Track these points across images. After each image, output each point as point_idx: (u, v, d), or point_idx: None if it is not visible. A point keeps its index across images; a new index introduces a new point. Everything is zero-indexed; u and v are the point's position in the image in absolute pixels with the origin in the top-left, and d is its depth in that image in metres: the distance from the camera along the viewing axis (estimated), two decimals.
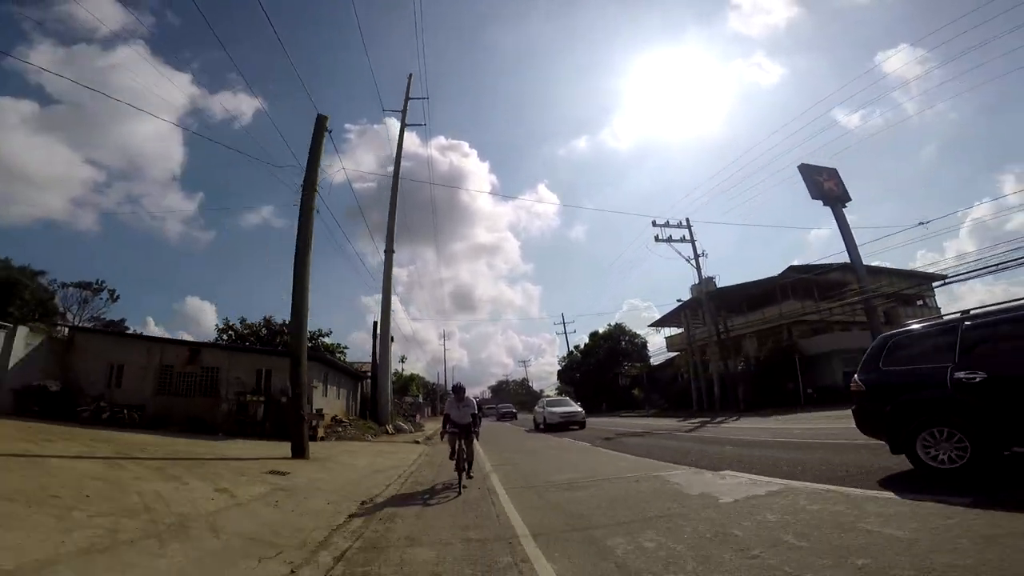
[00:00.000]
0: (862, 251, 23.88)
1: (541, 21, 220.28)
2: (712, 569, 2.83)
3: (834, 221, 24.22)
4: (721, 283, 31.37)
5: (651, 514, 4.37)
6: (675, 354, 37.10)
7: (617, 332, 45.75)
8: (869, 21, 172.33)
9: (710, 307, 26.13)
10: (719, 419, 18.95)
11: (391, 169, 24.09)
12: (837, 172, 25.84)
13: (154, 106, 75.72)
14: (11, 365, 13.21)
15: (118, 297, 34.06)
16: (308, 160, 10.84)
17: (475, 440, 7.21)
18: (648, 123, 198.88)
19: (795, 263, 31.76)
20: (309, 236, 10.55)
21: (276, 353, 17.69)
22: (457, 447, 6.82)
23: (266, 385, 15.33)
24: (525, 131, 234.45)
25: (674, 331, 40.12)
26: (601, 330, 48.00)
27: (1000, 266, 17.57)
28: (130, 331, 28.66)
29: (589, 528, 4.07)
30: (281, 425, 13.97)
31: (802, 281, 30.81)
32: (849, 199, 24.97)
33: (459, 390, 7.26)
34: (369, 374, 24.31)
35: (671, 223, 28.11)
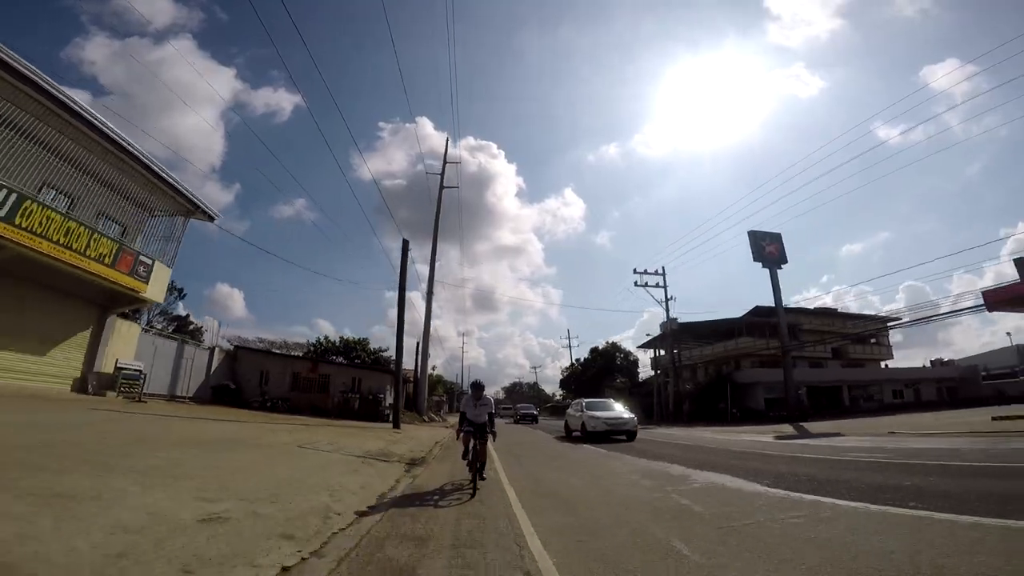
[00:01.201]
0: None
1: (573, 28, 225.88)
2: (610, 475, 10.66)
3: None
4: (727, 307, 38.91)
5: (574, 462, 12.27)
6: (652, 373, 44.67)
7: (612, 350, 53.47)
8: (915, 34, 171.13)
9: (669, 342, 33.82)
10: (660, 427, 26.51)
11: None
12: (780, 237, 32.95)
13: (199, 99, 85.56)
14: (212, 372, 21.97)
15: (185, 294, 39.03)
16: (399, 279, 19.04)
17: (490, 441, 6.81)
18: (680, 132, 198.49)
19: (759, 304, 39.10)
20: (402, 330, 18.78)
21: (364, 367, 26.43)
22: (472, 447, 6.51)
23: (358, 387, 23.85)
24: (554, 135, 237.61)
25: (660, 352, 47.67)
26: (600, 346, 55.80)
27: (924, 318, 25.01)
28: (249, 342, 37.72)
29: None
30: (368, 413, 22.48)
31: (756, 322, 38.18)
32: (785, 262, 32.11)
33: (478, 387, 6.95)
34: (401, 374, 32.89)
35: (649, 271, 35.95)
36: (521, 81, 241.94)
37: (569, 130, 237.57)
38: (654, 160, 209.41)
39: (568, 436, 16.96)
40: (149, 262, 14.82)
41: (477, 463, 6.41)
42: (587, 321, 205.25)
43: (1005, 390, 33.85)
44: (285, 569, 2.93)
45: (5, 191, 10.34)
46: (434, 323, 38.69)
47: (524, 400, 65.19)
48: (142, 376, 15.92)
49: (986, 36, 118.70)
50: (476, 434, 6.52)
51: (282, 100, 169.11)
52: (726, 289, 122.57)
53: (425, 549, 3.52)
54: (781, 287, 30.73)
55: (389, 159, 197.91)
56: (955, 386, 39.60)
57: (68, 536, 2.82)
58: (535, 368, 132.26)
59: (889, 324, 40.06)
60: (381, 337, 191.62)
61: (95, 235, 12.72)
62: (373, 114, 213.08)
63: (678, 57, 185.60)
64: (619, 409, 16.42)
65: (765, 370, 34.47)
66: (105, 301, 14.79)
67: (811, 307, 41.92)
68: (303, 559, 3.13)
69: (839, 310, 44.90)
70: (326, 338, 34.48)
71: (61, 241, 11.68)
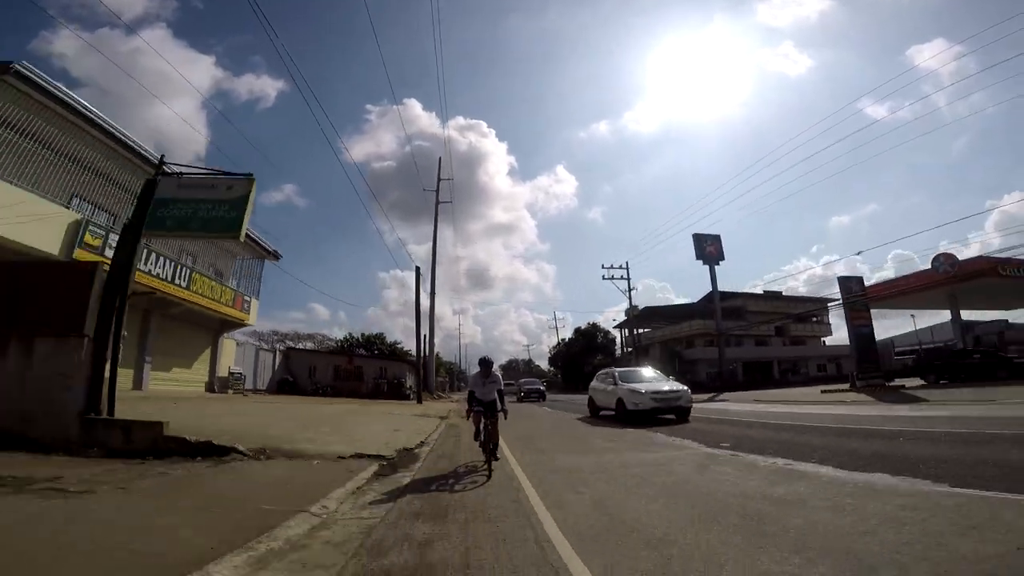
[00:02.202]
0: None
1: (561, 9, 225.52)
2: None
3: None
4: (713, 285, 46.17)
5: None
6: (630, 349, 52.12)
7: (593, 330, 60.85)
8: (902, 15, 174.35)
9: (632, 326, 41.04)
10: None
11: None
12: (719, 239, 39.73)
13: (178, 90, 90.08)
14: (276, 368, 28.99)
15: None
16: (416, 307, 25.83)
17: (500, 419, 6.50)
18: (670, 109, 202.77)
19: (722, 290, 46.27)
20: (420, 336, 25.67)
21: (387, 358, 33.57)
22: (483, 426, 6.29)
23: (385, 374, 31.00)
24: (545, 113, 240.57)
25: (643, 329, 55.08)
26: (583, 327, 63.23)
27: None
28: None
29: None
30: (394, 394, 29.71)
31: (710, 307, 45.36)
32: (723, 259, 39.11)
33: (486, 364, 6.70)
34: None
35: (615, 265, 42.88)
36: (511, 60, 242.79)
37: (559, 108, 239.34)
38: (644, 136, 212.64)
39: (595, 415, 14.55)
40: (248, 299, 21.61)
41: (490, 444, 6.24)
42: (582, 295, 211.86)
43: (908, 364, 41.43)
44: (420, 444, 9.86)
45: (188, 269, 17.05)
46: (426, 302, 45.03)
47: (521, 376, 65.56)
48: (243, 377, 22.92)
49: (974, 17, 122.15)
50: (486, 413, 6.36)
51: (266, 86, 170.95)
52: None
53: (459, 445, 10.49)
54: (755, 273, 37.83)
55: (378, 141, 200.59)
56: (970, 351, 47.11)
57: (361, 434, 9.79)
58: (527, 346, 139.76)
59: (819, 307, 47.44)
60: (376, 319, 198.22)
61: (223, 287, 19.48)
62: (361, 97, 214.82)
63: (667, 35, 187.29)
64: (669, 381, 13.38)
65: (707, 349, 41.92)
66: (220, 327, 21.62)
67: (759, 292, 49.31)
68: (421, 443, 10.03)
69: (783, 293, 52.29)
70: (350, 335, 41.66)
71: (208, 295, 18.43)
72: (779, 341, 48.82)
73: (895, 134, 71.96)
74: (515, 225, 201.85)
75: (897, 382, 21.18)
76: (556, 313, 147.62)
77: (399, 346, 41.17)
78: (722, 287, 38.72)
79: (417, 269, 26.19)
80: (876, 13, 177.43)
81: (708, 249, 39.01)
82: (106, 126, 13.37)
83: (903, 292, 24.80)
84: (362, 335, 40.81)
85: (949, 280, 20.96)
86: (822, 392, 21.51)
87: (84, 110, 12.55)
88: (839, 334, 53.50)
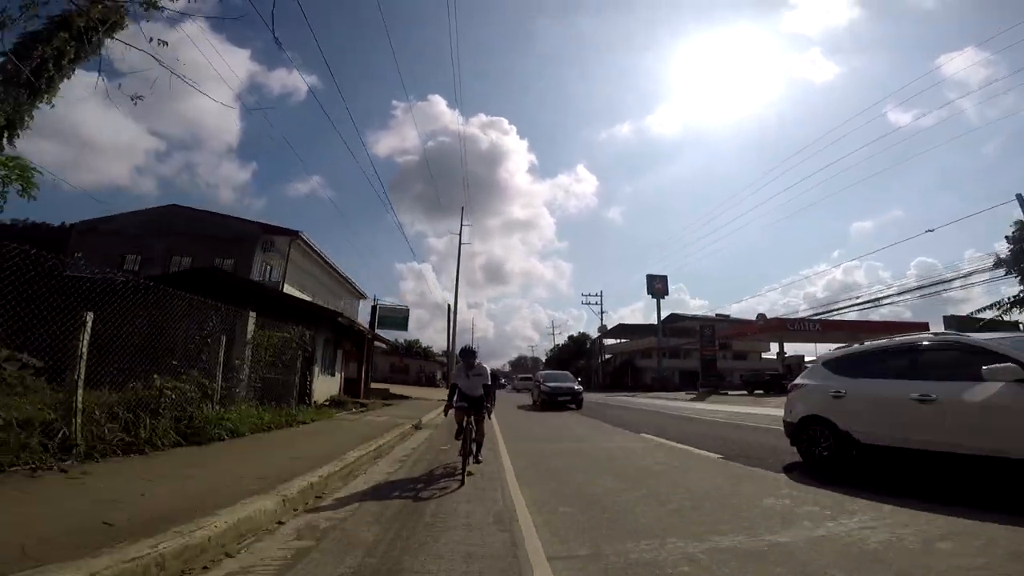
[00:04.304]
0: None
1: (589, 14, 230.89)
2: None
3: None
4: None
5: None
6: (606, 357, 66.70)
7: (582, 338, 75.46)
8: (934, 23, 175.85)
9: (600, 342, 55.68)
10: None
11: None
12: (666, 278, 53.89)
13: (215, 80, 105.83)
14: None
15: None
16: (448, 334, 40.91)
17: (487, 418, 6.13)
18: (692, 112, 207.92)
19: (676, 312, 60.53)
20: (452, 354, 40.80)
21: (423, 358, 48.92)
22: (465, 424, 5.67)
23: (422, 369, 46.35)
24: (567, 114, 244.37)
25: (614, 340, 69.65)
26: (575, 335, 77.93)
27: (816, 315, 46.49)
28: None
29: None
30: (429, 383, 45.03)
31: (670, 326, 59.49)
32: (667, 294, 53.20)
33: (468, 354, 6.11)
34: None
35: (592, 293, 57.47)
36: (536, 60, 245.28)
37: (583, 108, 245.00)
38: (666, 139, 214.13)
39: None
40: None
41: (472, 443, 5.71)
42: (599, 290, 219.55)
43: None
44: None
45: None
46: (443, 295, 59.64)
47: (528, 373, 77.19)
48: None
49: (1007, 25, 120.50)
50: (471, 410, 5.80)
51: (298, 81, 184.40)
52: (734, 266, 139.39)
53: None
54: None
55: (403, 136, 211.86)
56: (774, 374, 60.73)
57: (429, 395, 24.79)
58: (531, 347, 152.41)
59: (756, 329, 61.18)
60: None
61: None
62: (388, 93, 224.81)
63: (692, 38, 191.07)
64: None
65: (653, 360, 56.12)
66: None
67: (707, 315, 63.18)
68: None
69: (729, 316, 66.04)
70: (396, 340, 57.12)
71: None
72: (721, 355, 62.67)
73: (921, 138, 75.63)
74: (533, 222, 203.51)
75: (728, 392, 35.43)
76: (553, 322, 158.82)
77: (429, 348, 56.36)
78: (734, 291, 52.91)
79: (449, 307, 41.03)
80: (906, 21, 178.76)
81: (657, 286, 53.29)
82: (342, 270, 28.55)
83: (741, 334, 38.85)
84: (405, 341, 55.98)
85: (762, 329, 34.93)
86: (686, 393, 35.82)
87: (330, 261, 27.48)
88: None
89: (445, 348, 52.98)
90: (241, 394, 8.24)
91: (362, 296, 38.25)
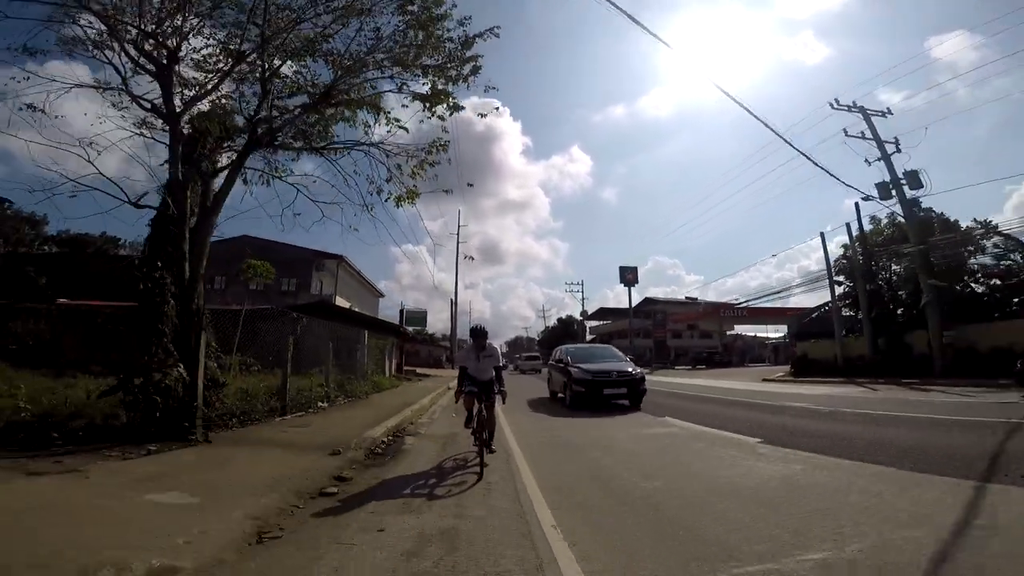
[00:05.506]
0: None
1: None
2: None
3: None
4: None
5: None
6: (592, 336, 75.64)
7: (570, 320, 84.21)
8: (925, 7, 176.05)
9: (582, 326, 64.52)
10: None
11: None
12: (636, 269, 62.04)
13: None
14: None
15: None
16: (451, 330, 49.32)
17: (498, 404, 5.69)
18: (685, 94, 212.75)
19: (650, 296, 69.24)
20: (455, 341, 49.35)
21: (430, 343, 57.71)
22: (476, 411, 5.41)
23: (431, 353, 55.19)
24: (561, 95, 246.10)
25: (598, 322, 78.52)
26: (563, 317, 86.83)
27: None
28: None
29: None
30: (436, 365, 53.89)
31: (645, 308, 68.18)
32: (637, 282, 61.43)
33: (479, 334, 5.77)
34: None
35: (574, 282, 65.94)
36: (529, 42, 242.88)
37: (576, 90, 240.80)
38: (659, 120, 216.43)
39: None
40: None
41: (484, 432, 5.35)
42: (595, 271, 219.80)
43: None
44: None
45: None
46: (439, 275, 66.54)
47: (524, 351, 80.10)
48: None
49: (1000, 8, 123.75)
50: (481, 395, 5.44)
51: None
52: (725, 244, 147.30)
53: None
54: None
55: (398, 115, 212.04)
56: (711, 352, 69.72)
57: (441, 374, 33.48)
58: (526, 328, 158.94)
59: (726, 309, 70.16)
60: (389, 293, 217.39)
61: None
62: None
63: (686, 17, 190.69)
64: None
65: (636, 340, 65.01)
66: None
67: (682, 299, 71.97)
68: None
69: (697, 299, 74.85)
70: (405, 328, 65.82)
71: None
72: (689, 335, 71.77)
73: (912, 118, 77.24)
74: (528, 203, 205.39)
75: (676, 367, 44.29)
76: (544, 306, 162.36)
77: (433, 335, 64.80)
78: (729, 266, 61.21)
79: (452, 302, 49.37)
80: (897, 5, 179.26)
81: (628, 277, 61.53)
82: (370, 280, 36.76)
83: (689, 318, 47.82)
84: (413, 329, 64.45)
85: (703, 314, 43.83)
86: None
87: (364, 276, 35.61)
88: (742, 328, 75.90)
89: (446, 333, 61.99)
90: (366, 373, 16.74)
91: (381, 295, 46.71)
